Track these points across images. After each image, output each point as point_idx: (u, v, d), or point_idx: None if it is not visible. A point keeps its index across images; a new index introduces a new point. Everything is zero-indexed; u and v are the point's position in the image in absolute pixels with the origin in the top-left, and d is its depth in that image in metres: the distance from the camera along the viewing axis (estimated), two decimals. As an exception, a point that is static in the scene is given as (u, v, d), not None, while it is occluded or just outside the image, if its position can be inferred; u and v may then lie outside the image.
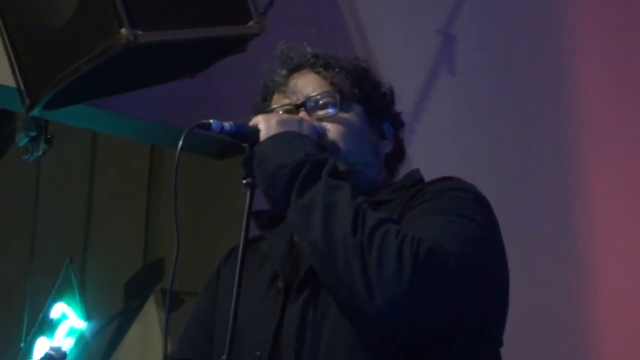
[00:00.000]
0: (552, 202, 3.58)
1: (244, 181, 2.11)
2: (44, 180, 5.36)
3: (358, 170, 2.18)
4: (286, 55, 2.29)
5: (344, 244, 1.94)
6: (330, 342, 2.03)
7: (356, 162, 2.18)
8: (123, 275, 5.25)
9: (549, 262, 3.52)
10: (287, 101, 2.24)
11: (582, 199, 3.54)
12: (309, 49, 2.29)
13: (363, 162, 2.20)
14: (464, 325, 2.03)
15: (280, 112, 2.22)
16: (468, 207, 2.06)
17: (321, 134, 2.17)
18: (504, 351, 2.15)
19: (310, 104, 2.22)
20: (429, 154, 3.37)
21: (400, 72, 3.61)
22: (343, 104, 2.23)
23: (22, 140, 4.11)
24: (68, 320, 5.17)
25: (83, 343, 5.16)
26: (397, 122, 2.34)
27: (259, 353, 2.08)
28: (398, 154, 2.32)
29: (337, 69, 2.26)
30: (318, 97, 2.23)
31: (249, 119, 2.15)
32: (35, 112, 3.42)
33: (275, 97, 2.27)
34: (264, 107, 2.27)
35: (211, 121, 2.08)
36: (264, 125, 2.11)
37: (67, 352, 2.77)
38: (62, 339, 5.13)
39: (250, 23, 3.27)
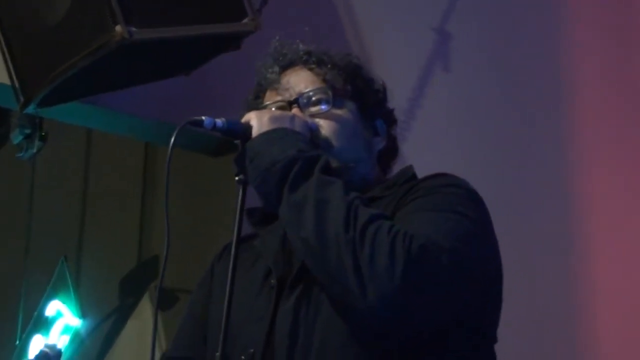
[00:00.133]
0: (550, 201, 3.58)
1: (237, 178, 2.11)
2: (38, 178, 5.36)
3: (351, 167, 2.18)
4: (279, 52, 2.29)
5: (336, 241, 1.94)
6: (323, 339, 2.03)
7: (349, 159, 2.19)
8: (118, 273, 5.25)
9: (547, 260, 3.52)
10: (279, 98, 2.24)
11: (580, 197, 3.53)
12: (301, 45, 2.29)
13: (356, 159, 2.21)
14: (458, 322, 2.02)
15: (273, 108, 2.22)
16: (461, 204, 2.06)
17: (314, 130, 2.17)
18: (501, 349, 2.15)
19: (303, 101, 2.22)
20: (424, 151, 3.37)
21: (396, 69, 3.61)
22: (336, 101, 2.23)
23: (16, 137, 4.11)
24: (63, 318, 5.16)
25: (78, 341, 5.15)
26: (390, 119, 2.34)
27: (252, 350, 2.08)
28: (391, 150, 2.33)
29: (329, 66, 2.26)
30: (311, 93, 2.23)
31: (242, 116, 2.15)
32: (30, 109, 3.42)
33: (268, 94, 2.27)
34: (256, 105, 2.27)
35: (203, 118, 2.07)
36: (256, 121, 2.11)
37: (63, 350, 2.77)
38: (58, 337, 5.12)
39: (245, 20, 3.27)
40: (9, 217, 5.74)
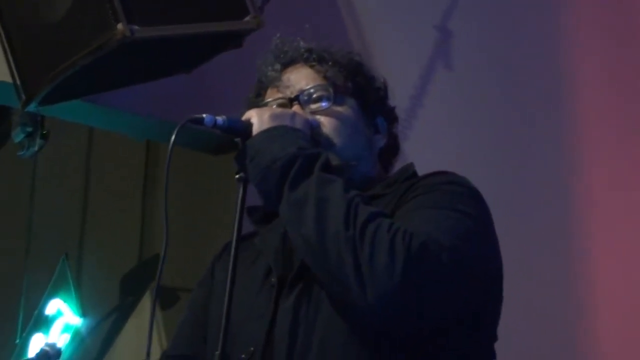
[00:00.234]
0: (550, 199, 3.57)
1: (237, 176, 2.10)
2: (39, 176, 5.36)
3: (352, 165, 2.18)
4: (280, 50, 2.29)
5: (336, 239, 1.94)
6: (323, 337, 2.02)
7: (350, 156, 2.18)
8: (119, 272, 5.25)
9: (546, 259, 3.51)
10: (280, 95, 2.24)
11: (580, 196, 3.53)
12: (302, 43, 2.29)
13: (357, 156, 2.20)
14: (458, 319, 2.02)
15: (274, 106, 2.22)
16: (461, 201, 2.06)
17: (315, 127, 2.17)
18: (500, 348, 2.15)
19: (304, 98, 2.22)
20: (425, 149, 3.37)
21: (397, 67, 3.61)
22: (336, 98, 2.23)
23: (18, 136, 4.11)
24: (63, 317, 5.17)
25: (78, 339, 5.16)
26: (391, 117, 2.34)
27: (252, 348, 2.07)
28: (392, 148, 2.32)
29: (330, 63, 2.26)
30: (311, 90, 2.23)
31: (243, 114, 2.14)
32: (32, 107, 3.42)
33: (269, 91, 2.27)
34: (257, 102, 2.27)
35: (204, 115, 2.07)
36: (257, 119, 2.10)
37: (63, 349, 2.76)
38: (58, 336, 5.13)
39: (247, 18, 3.26)
40: (10, 216, 5.74)
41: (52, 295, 5.21)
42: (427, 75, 3.85)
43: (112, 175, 5.51)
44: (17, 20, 3.37)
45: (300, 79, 2.24)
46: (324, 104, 2.22)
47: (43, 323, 5.17)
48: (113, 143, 5.29)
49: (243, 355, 2.07)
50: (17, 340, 5.12)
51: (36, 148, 4.08)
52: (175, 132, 2.07)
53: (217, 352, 1.98)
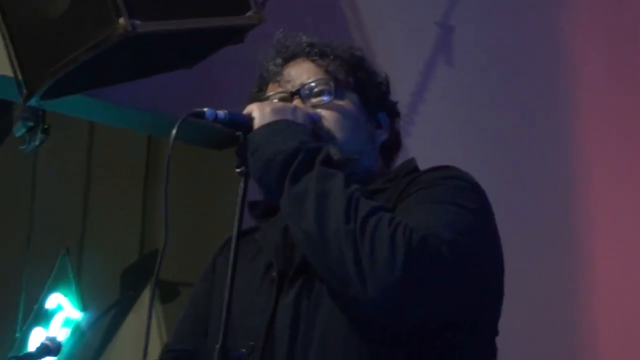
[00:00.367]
0: (551, 195, 3.57)
1: (238, 170, 2.10)
2: (41, 171, 5.36)
3: (354, 159, 2.18)
4: (282, 44, 2.29)
5: (336, 233, 1.94)
6: (324, 332, 2.02)
7: (352, 150, 2.18)
8: (119, 266, 5.25)
9: (547, 255, 3.51)
10: (281, 89, 2.24)
11: (582, 191, 3.53)
12: (304, 37, 2.29)
13: (359, 151, 2.20)
14: (459, 314, 2.02)
15: (275, 100, 2.22)
16: (463, 196, 2.06)
17: (316, 121, 2.17)
18: (501, 345, 2.15)
19: (305, 92, 2.22)
20: (427, 145, 3.37)
21: (398, 63, 3.61)
22: (338, 92, 2.23)
23: (19, 130, 4.12)
24: (64, 311, 5.17)
25: (79, 333, 5.16)
26: (392, 112, 2.33)
27: (252, 343, 2.07)
28: (394, 143, 2.32)
29: (332, 57, 2.26)
30: (312, 84, 2.23)
31: (244, 108, 2.14)
32: (33, 101, 3.42)
33: (271, 86, 2.27)
34: (259, 97, 2.27)
35: (205, 109, 2.07)
36: (258, 113, 2.10)
37: (63, 343, 2.76)
38: (58, 330, 5.13)
39: (249, 13, 3.27)
40: (11, 210, 5.74)
41: (52, 289, 5.22)
42: (429, 72, 3.85)
43: (113, 169, 5.51)
44: (19, 14, 3.37)
45: (302, 73, 2.24)
46: (325, 98, 2.22)
47: (43, 317, 5.18)
48: (114, 138, 5.29)
49: (243, 350, 2.06)
50: (17, 334, 5.12)
51: (37, 142, 4.08)
52: (176, 126, 2.06)
53: (218, 346, 1.98)
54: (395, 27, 3.95)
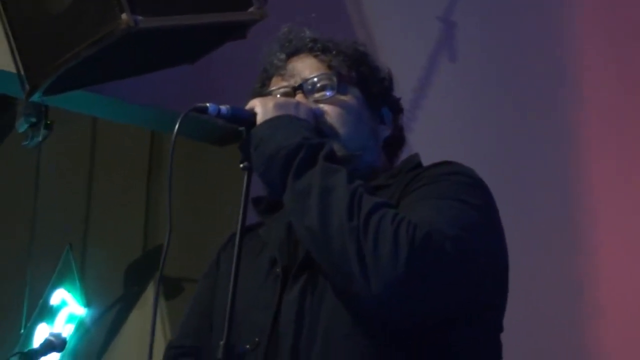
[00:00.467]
0: (553, 190, 3.57)
1: (241, 165, 2.10)
2: (44, 167, 5.36)
3: (357, 155, 2.18)
4: (285, 39, 2.29)
5: (340, 229, 1.94)
6: (327, 327, 2.02)
7: (354, 146, 2.18)
8: (123, 262, 5.24)
9: (550, 253, 3.51)
10: (284, 84, 2.24)
11: (585, 188, 3.52)
12: (308, 32, 2.29)
13: (361, 146, 2.20)
14: (463, 310, 2.02)
15: (278, 95, 2.22)
16: (466, 192, 2.05)
17: (319, 116, 2.17)
18: (505, 340, 2.14)
19: (308, 87, 2.22)
20: (430, 141, 3.36)
21: (401, 59, 3.60)
22: (340, 87, 2.22)
23: (22, 126, 4.12)
24: (68, 307, 5.17)
25: (83, 329, 5.16)
26: (396, 108, 2.33)
27: (257, 339, 2.07)
28: (397, 139, 2.32)
29: (335, 52, 2.26)
30: (315, 79, 2.22)
31: (247, 103, 2.14)
32: (36, 97, 3.42)
33: (274, 80, 2.27)
34: (262, 92, 2.27)
35: (208, 104, 2.07)
36: (261, 108, 2.10)
37: (67, 339, 2.77)
38: (62, 326, 5.13)
39: (251, 9, 3.27)
40: (14, 206, 5.74)
41: (56, 285, 5.22)
42: (431, 68, 3.85)
43: (116, 165, 5.51)
44: (21, 10, 3.38)
45: (305, 68, 2.24)
46: (327, 93, 2.21)
47: (48, 313, 5.18)
48: (117, 133, 5.29)
49: (248, 346, 2.06)
50: (22, 330, 5.12)
51: (40, 138, 4.08)
52: (178, 121, 2.06)
53: (222, 342, 1.98)
54: (397, 22, 3.95)
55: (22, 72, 3.38)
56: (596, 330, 3.40)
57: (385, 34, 3.88)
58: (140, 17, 3.07)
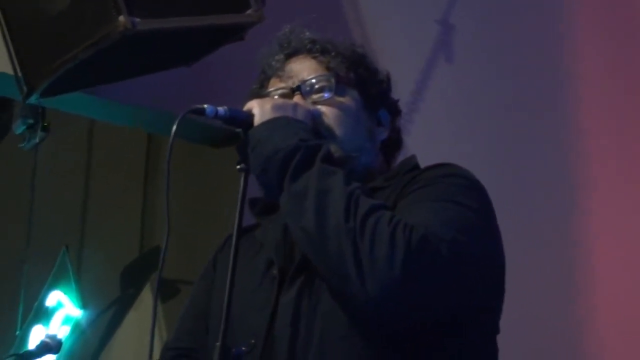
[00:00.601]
0: (550, 192, 3.57)
1: (238, 166, 2.10)
2: (40, 168, 5.36)
3: (354, 157, 2.18)
4: (284, 40, 2.29)
5: (336, 231, 1.94)
6: (323, 329, 2.02)
7: (351, 147, 2.18)
8: (119, 264, 5.25)
9: (547, 254, 3.51)
10: (282, 85, 2.24)
11: (580, 187, 3.53)
12: (307, 34, 2.29)
13: (358, 148, 2.20)
14: (459, 312, 2.02)
15: (276, 96, 2.22)
16: (463, 194, 2.05)
17: (316, 118, 2.17)
18: (502, 342, 2.15)
19: (306, 88, 2.22)
20: (427, 144, 3.36)
21: (398, 61, 3.60)
22: (338, 88, 2.22)
23: (19, 127, 4.12)
24: (64, 309, 5.17)
25: (79, 331, 5.16)
26: (394, 110, 2.33)
27: (253, 341, 2.07)
28: (395, 141, 2.32)
29: (333, 54, 2.26)
30: (313, 80, 2.22)
31: (244, 105, 2.14)
32: (33, 99, 3.42)
33: (272, 82, 2.27)
34: (260, 93, 2.27)
35: (205, 106, 2.07)
36: (259, 110, 2.10)
37: (63, 340, 2.76)
38: (58, 327, 5.13)
39: (249, 11, 3.27)
40: (10, 207, 5.74)
41: (52, 287, 5.21)
42: (429, 70, 3.85)
43: (112, 167, 5.51)
44: (18, 12, 3.37)
45: (303, 69, 2.24)
46: (325, 94, 2.21)
47: (43, 315, 5.18)
48: (114, 135, 5.29)
49: (244, 348, 2.06)
50: (18, 332, 5.12)
51: (37, 140, 4.09)
52: (176, 122, 2.06)
53: (218, 344, 1.98)
54: (395, 25, 3.95)
55: (20, 74, 3.38)
56: (592, 332, 3.41)
57: (383, 37, 3.88)
58: (137, 19, 3.07)
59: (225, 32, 3.40)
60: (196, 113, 2.07)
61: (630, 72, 3.51)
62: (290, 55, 2.27)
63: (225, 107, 2.08)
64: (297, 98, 2.20)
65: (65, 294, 5.17)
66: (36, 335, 5.03)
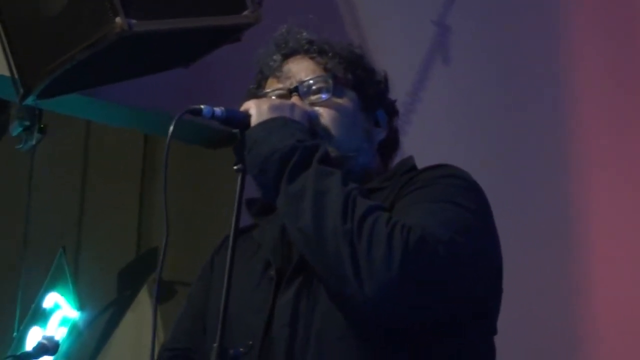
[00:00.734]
0: (547, 193, 3.58)
1: (235, 167, 2.10)
2: (37, 170, 5.36)
3: (351, 157, 2.18)
4: (283, 40, 2.29)
5: (334, 232, 1.93)
6: (321, 330, 2.02)
7: (348, 148, 2.18)
8: (116, 265, 5.25)
9: (544, 252, 3.51)
10: (280, 86, 2.24)
11: (578, 187, 3.53)
12: (305, 34, 2.29)
13: (356, 148, 2.20)
14: (456, 313, 2.02)
15: (273, 97, 2.22)
16: (460, 194, 2.05)
17: (313, 119, 2.17)
18: (500, 343, 2.15)
19: (303, 89, 2.22)
20: (424, 145, 3.37)
21: (395, 62, 3.59)
22: (336, 89, 2.22)
23: (15, 129, 4.11)
24: (61, 310, 5.17)
25: (76, 333, 5.16)
26: (391, 110, 2.33)
27: (251, 342, 2.07)
28: (392, 142, 2.32)
29: (331, 54, 2.26)
30: (311, 81, 2.22)
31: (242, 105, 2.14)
32: (29, 101, 3.42)
33: (269, 82, 2.27)
34: (257, 93, 2.27)
35: (202, 106, 2.07)
36: (256, 110, 2.10)
37: (60, 342, 2.76)
38: (55, 329, 5.13)
39: (245, 13, 3.27)
40: (7, 209, 5.74)
41: (49, 288, 5.22)
42: (425, 71, 3.85)
43: (109, 168, 5.51)
44: (15, 13, 3.37)
45: (301, 70, 2.24)
46: (323, 95, 2.21)
47: (40, 316, 5.18)
48: (111, 137, 5.29)
49: (241, 349, 2.06)
50: (15, 334, 5.12)
51: (34, 142, 4.08)
52: (173, 122, 2.06)
53: (216, 345, 1.98)
54: (391, 25, 3.95)
55: (16, 76, 3.38)
56: (591, 332, 3.41)
57: (380, 38, 3.88)
58: (134, 21, 3.07)
59: (222, 33, 3.40)
60: (193, 113, 2.07)
61: (630, 72, 3.51)
62: (287, 56, 2.27)
63: (222, 108, 2.08)
64: (294, 99, 2.20)
65: (62, 295, 5.18)
66: (33, 337, 5.04)
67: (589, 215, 3.49)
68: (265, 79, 2.28)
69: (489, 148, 3.67)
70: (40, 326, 5.15)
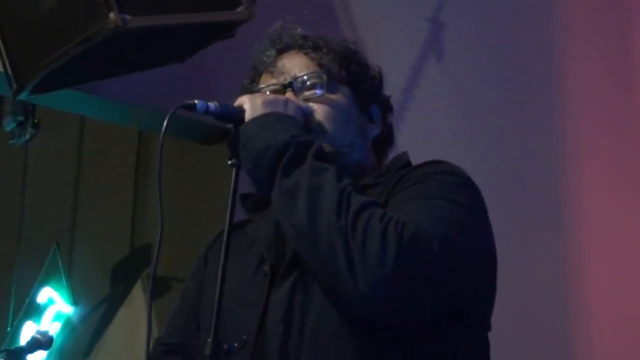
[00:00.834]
0: (542, 190, 3.58)
1: (229, 162, 2.10)
2: (31, 165, 5.35)
3: (344, 152, 2.18)
4: (276, 36, 2.29)
5: (328, 228, 1.93)
6: (315, 326, 2.02)
7: (342, 144, 2.18)
8: (110, 261, 5.25)
9: (538, 249, 3.52)
10: (274, 81, 2.24)
11: (573, 185, 3.53)
12: (299, 30, 2.29)
13: (349, 144, 2.20)
14: (450, 309, 2.02)
15: (267, 92, 2.22)
16: (454, 191, 2.05)
17: (307, 114, 2.16)
18: (494, 339, 2.15)
19: (297, 85, 2.22)
20: (418, 142, 3.36)
21: (389, 59, 3.58)
22: (330, 85, 2.22)
23: (9, 124, 4.12)
24: (55, 305, 5.17)
25: (70, 328, 5.16)
26: (385, 106, 2.33)
27: (245, 337, 2.07)
28: (386, 138, 2.32)
29: (325, 50, 2.26)
30: (305, 77, 2.22)
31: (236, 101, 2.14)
32: (23, 96, 3.41)
33: (263, 77, 2.27)
34: (251, 88, 2.26)
35: (196, 101, 2.07)
36: (249, 105, 2.10)
37: (54, 337, 2.76)
38: (49, 324, 5.13)
39: (240, 9, 3.27)
40: (1, 204, 5.73)
41: (43, 283, 5.21)
42: (420, 68, 3.85)
43: (103, 164, 5.51)
44: (9, 8, 3.37)
45: (295, 65, 2.24)
46: (317, 91, 2.21)
47: (34, 311, 5.18)
48: (104, 132, 5.29)
49: (235, 344, 2.06)
50: (9, 329, 5.12)
51: (27, 137, 4.09)
52: (167, 117, 2.06)
53: (210, 340, 1.99)
54: (385, 23, 3.95)
55: (10, 71, 3.37)
56: (586, 330, 3.41)
57: (374, 35, 3.88)
58: (128, 17, 3.07)
59: (216, 29, 3.40)
60: (187, 108, 2.07)
61: (628, 72, 3.51)
62: (281, 51, 2.27)
63: (216, 103, 2.08)
64: (288, 94, 2.20)
65: (56, 290, 5.18)
66: (27, 332, 5.04)
67: (586, 214, 3.49)
68: (260, 74, 2.28)
69: (483, 145, 3.68)
70: (34, 321, 5.15)
